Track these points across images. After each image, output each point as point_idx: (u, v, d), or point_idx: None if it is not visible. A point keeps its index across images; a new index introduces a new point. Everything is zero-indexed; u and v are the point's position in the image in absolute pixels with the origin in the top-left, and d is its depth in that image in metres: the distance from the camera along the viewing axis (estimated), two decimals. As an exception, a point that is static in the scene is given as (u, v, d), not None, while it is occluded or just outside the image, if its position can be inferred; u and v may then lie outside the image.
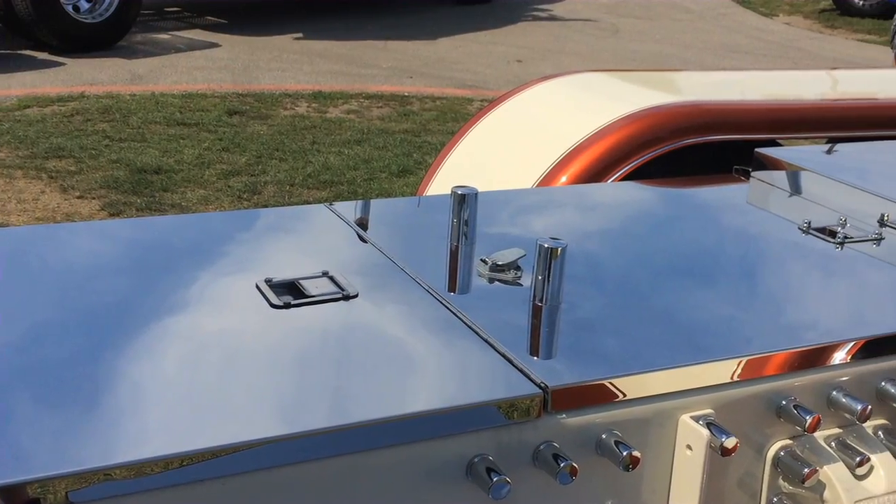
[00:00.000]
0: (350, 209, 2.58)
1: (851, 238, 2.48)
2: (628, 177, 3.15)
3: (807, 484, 1.77)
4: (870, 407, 1.81)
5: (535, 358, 1.75)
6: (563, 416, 1.61)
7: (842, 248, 2.44)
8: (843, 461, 1.83)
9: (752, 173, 3.02)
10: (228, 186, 7.78)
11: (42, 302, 1.86)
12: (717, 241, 2.61)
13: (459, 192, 2.20)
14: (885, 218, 2.59)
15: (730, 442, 1.64)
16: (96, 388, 1.52)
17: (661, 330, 1.94)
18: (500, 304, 2.02)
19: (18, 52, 12.40)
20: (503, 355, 1.71)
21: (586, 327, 1.92)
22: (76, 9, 12.60)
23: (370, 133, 9.49)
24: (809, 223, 2.54)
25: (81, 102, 10.09)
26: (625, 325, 1.96)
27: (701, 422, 1.68)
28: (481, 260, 2.13)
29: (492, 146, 3.66)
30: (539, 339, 1.88)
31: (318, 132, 9.45)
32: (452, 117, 10.20)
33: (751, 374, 1.80)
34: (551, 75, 4.01)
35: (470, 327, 1.83)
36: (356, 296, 1.93)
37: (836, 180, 2.81)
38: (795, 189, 2.93)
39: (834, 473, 1.80)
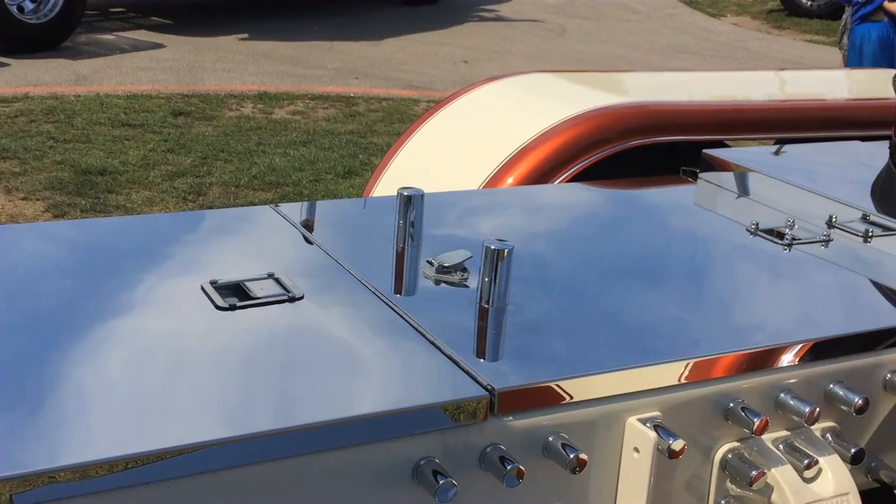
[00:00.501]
0: (296, 210, 2.58)
1: (799, 240, 2.48)
2: (575, 178, 3.14)
3: (754, 486, 1.77)
4: (818, 409, 1.81)
5: (482, 360, 1.75)
6: (510, 418, 1.60)
7: (790, 250, 2.44)
8: (791, 464, 1.83)
9: (700, 175, 3.02)
10: (173, 188, 7.73)
11: (-15, 304, 1.85)
12: (664, 242, 2.61)
13: (405, 194, 2.20)
14: (833, 219, 2.60)
15: (677, 444, 1.63)
16: (40, 390, 1.51)
17: (608, 332, 1.95)
18: (446, 306, 2.02)
19: (-39, 52, 12.23)
20: (449, 357, 1.70)
21: (533, 329, 1.91)
22: (20, 9, 12.46)
23: (316, 134, 9.45)
24: (757, 225, 2.55)
25: (25, 103, 9.98)
26: (572, 327, 1.96)
27: (648, 424, 1.68)
28: (427, 262, 2.12)
29: (438, 147, 3.65)
30: (486, 341, 1.88)
31: (264, 133, 9.41)
32: (399, 118, 10.18)
33: (698, 376, 1.80)
34: (498, 76, 4.01)
35: (416, 329, 1.82)
36: (302, 298, 1.91)
37: (784, 182, 2.82)
38: (743, 190, 2.94)
39: (782, 476, 1.81)
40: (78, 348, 1.69)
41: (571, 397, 1.67)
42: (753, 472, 1.76)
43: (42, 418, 1.42)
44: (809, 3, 19.62)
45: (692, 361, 1.79)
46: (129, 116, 9.64)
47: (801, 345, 1.92)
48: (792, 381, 1.88)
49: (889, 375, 2.00)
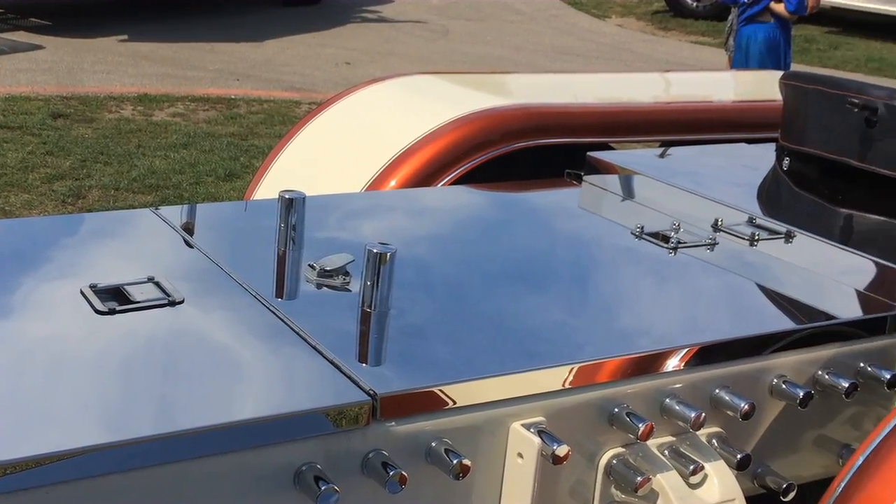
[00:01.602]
0: (176, 213, 2.58)
1: (685, 243, 2.50)
2: (459, 181, 3.14)
3: (639, 492, 1.78)
4: (703, 414, 1.83)
5: (364, 365, 1.75)
6: (393, 423, 1.60)
7: (675, 254, 2.46)
8: (677, 469, 1.85)
9: (584, 177, 3.04)
10: (52, 191, 7.55)
11: None
12: (548, 245, 2.61)
13: (287, 197, 2.19)
14: (719, 223, 2.63)
15: (561, 450, 1.64)
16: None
17: (491, 336, 1.96)
18: (328, 310, 2.01)
19: None
20: (331, 362, 1.70)
21: (416, 334, 1.92)
22: None
23: (196, 136, 9.32)
24: (642, 228, 2.56)
25: None
26: (455, 331, 1.97)
27: (532, 429, 1.68)
28: (309, 265, 2.12)
29: (320, 150, 3.62)
30: (368, 346, 1.87)
31: (144, 136, 9.25)
32: (280, 120, 10.10)
33: (583, 380, 1.81)
34: (380, 77, 3.99)
35: (297, 333, 1.81)
36: (182, 302, 1.90)
37: (669, 184, 2.84)
38: (628, 193, 2.96)
39: (667, 482, 1.82)
40: (-47, 353, 1.65)
41: (454, 402, 1.67)
42: (638, 478, 1.77)
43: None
44: (695, 4, 19.71)
45: (577, 366, 1.80)
46: (7, 118, 9.40)
47: (686, 349, 1.94)
48: (677, 385, 1.90)
49: (775, 380, 2.02)
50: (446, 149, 3.19)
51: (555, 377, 1.77)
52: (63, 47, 13.39)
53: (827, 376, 2.07)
